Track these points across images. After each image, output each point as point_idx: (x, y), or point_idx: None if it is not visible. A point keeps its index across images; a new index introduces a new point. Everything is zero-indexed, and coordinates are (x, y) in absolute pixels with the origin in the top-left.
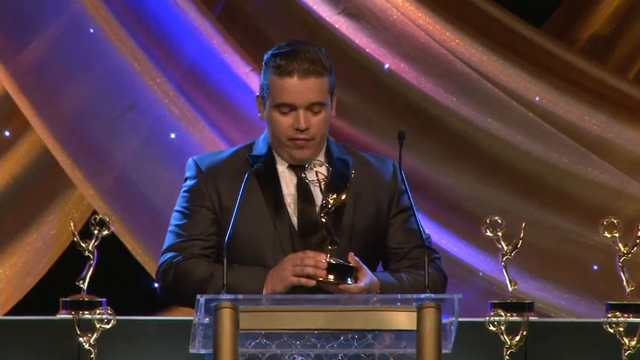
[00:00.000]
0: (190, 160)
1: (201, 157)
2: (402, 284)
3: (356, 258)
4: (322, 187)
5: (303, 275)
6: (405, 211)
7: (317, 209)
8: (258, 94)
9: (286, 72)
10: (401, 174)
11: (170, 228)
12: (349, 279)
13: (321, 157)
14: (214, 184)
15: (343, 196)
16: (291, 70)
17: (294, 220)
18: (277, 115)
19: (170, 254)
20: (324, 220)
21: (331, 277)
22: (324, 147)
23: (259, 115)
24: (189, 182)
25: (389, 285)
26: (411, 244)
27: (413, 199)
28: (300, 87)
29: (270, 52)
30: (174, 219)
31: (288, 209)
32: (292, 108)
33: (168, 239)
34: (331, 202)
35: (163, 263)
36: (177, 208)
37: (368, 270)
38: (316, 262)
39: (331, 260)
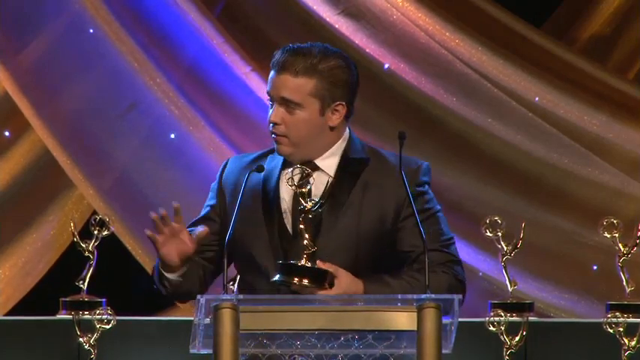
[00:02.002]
0: (226, 159)
1: (235, 158)
2: (392, 290)
3: (328, 264)
4: (298, 192)
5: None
6: (418, 213)
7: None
8: None
9: (272, 64)
10: (402, 175)
11: None
12: (325, 284)
13: (335, 157)
14: (228, 185)
15: (319, 202)
16: (273, 63)
17: (290, 221)
18: (269, 107)
19: None
20: (301, 226)
21: (305, 281)
22: (341, 147)
23: None
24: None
25: (375, 290)
26: (422, 247)
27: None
28: (276, 80)
29: None
30: None
31: (285, 210)
32: (272, 100)
33: None
34: (308, 206)
35: None
36: None
37: (348, 274)
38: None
39: (306, 264)
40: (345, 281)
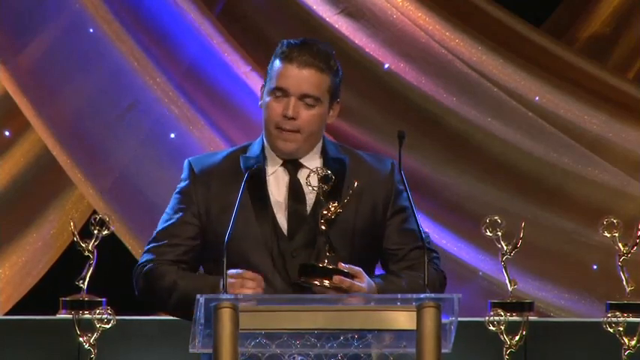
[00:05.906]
0: (186, 161)
1: (197, 159)
2: (400, 289)
3: (348, 265)
4: (323, 195)
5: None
6: (402, 211)
7: (308, 209)
8: (263, 82)
9: (288, 58)
10: (400, 174)
11: (157, 228)
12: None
13: (317, 157)
14: (205, 187)
15: (342, 204)
16: (292, 57)
17: (283, 220)
18: (271, 101)
19: (146, 257)
20: (323, 227)
21: (326, 282)
22: (320, 146)
23: (259, 102)
24: (181, 184)
25: (387, 291)
26: (409, 245)
27: (412, 199)
28: (296, 75)
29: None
30: (161, 220)
31: (277, 209)
32: (285, 94)
33: (150, 239)
34: (332, 209)
35: (138, 266)
36: (167, 208)
37: (365, 275)
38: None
39: (328, 267)
40: (364, 282)
